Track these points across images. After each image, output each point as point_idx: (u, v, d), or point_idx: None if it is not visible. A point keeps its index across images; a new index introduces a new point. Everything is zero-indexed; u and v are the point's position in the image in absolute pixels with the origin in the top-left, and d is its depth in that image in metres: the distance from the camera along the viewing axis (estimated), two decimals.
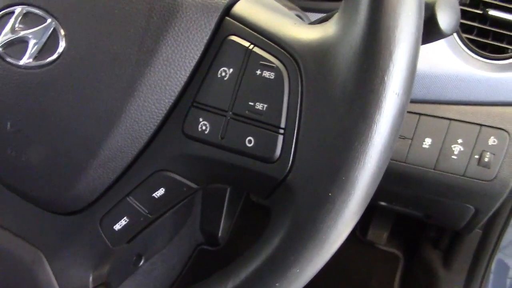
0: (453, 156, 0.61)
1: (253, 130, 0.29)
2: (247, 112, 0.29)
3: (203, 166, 0.32)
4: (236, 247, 1.16)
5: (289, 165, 0.28)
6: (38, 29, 0.33)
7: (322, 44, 0.28)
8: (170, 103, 0.31)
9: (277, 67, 0.29)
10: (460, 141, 0.60)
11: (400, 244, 1.14)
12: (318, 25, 0.29)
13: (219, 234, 1.14)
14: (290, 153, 0.28)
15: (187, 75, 0.31)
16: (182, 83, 0.31)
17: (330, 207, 0.26)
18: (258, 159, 0.29)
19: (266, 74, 0.29)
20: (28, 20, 0.33)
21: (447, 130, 0.60)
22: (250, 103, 0.29)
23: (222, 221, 1.14)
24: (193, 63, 0.31)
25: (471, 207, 0.70)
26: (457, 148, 0.60)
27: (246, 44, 0.30)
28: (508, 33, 0.59)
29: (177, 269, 1.09)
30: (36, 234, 0.38)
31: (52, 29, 0.33)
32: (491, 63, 0.60)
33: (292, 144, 0.28)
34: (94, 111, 0.32)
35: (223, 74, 0.30)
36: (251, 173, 0.30)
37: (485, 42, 0.59)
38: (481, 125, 0.60)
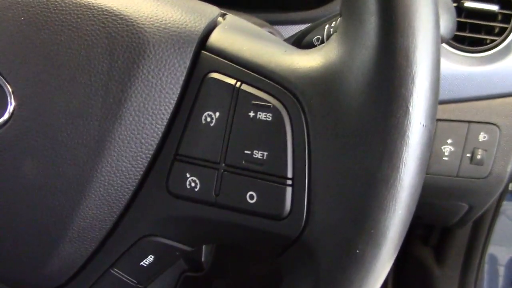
0: (444, 158, 0.58)
1: (254, 184, 0.24)
2: (243, 162, 0.25)
3: (197, 227, 0.27)
4: (222, 269, 1.11)
5: (304, 220, 0.24)
6: None
7: (325, 72, 0.23)
8: (148, 159, 0.26)
9: (273, 106, 0.24)
10: (449, 141, 0.58)
11: None
12: (314, 49, 0.25)
13: (202, 259, 1.09)
14: (303, 207, 0.24)
15: (164, 124, 0.26)
16: (160, 134, 0.26)
17: (358, 265, 0.22)
18: (264, 217, 0.25)
19: (262, 116, 0.24)
20: None
21: (435, 131, 0.58)
22: (247, 152, 0.25)
23: (203, 245, 1.09)
24: (169, 109, 0.26)
25: (465, 204, 0.67)
26: (447, 149, 0.58)
27: (232, 81, 0.25)
28: (485, 23, 0.57)
29: None
30: None
31: None
32: (471, 57, 0.57)
33: (304, 196, 0.24)
34: (59, 178, 0.27)
35: (208, 119, 0.25)
36: (257, 233, 0.25)
37: (463, 35, 0.57)
38: (469, 121, 0.58)
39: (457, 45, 0.57)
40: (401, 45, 0.21)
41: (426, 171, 0.58)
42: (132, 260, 0.28)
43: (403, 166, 0.21)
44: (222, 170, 0.25)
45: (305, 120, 0.23)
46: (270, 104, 0.24)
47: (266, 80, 0.24)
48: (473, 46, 0.57)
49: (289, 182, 0.24)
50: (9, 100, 0.27)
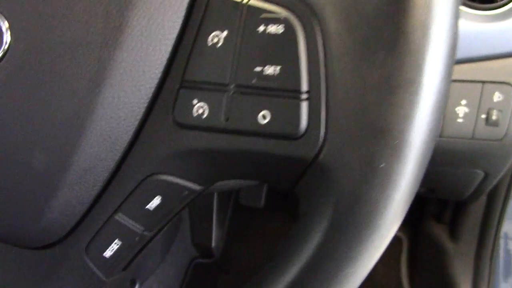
0: (458, 120, 0.56)
1: (267, 102, 0.23)
2: (255, 80, 0.23)
3: (206, 161, 0.25)
4: (232, 255, 1.10)
5: (321, 137, 0.22)
6: None
7: None
8: (153, 88, 0.25)
9: (285, 18, 0.23)
10: (463, 102, 0.56)
11: (401, 226, 1.10)
12: None
13: (213, 245, 1.08)
14: (321, 122, 0.22)
15: (169, 49, 0.25)
16: (165, 60, 0.25)
17: (384, 181, 0.20)
18: (278, 137, 0.23)
19: (272, 29, 0.23)
20: None
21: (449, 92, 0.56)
22: (257, 69, 0.23)
23: (213, 231, 1.08)
24: (174, 33, 0.24)
25: (480, 171, 0.66)
26: (461, 110, 0.56)
27: None
28: None
29: (175, 287, 1.03)
30: (12, 278, 0.31)
31: None
32: (483, 14, 0.55)
33: (321, 110, 0.22)
34: (57, 113, 0.25)
35: (215, 40, 0.24)
36: (270, 159, 0.23)
37: None
38: (483, 82, 0.56)
39: (468, 2, 0.55)
40: None
41: (440, 134, 0.57)
42: (138, 203, 0.27)
43: (428, 67, 0.20)
44: (231, 92, 0.23)
45: (320, 27, 0.22)
46: (281, 16, 0.23)
47: None
48: (484, 3, 0.55)
49: (305, 96, 0.22)
50: (4, 37, 0.26)
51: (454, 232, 0.94)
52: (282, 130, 0.23)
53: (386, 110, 0.20)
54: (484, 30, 0.55)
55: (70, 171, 0.26)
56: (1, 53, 0.26)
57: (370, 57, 0.21)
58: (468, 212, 0.90)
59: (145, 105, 0.25)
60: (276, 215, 1.08)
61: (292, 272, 0.23)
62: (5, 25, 0.26)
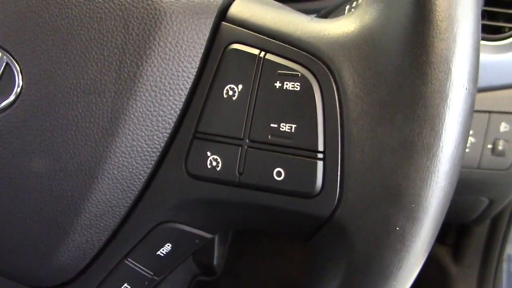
0: (465, 149, 0.56)
1: (282, 159, 0.23)
2: (270, 137, 0.23)
3: (219, 211, 0.25)
4: (234, 273, 1.09)
5: (336, 197, 0.22)
6: None
7: (357, 36, 0.22)
8: (166, 138, 0.25)
9: (301, 75, 0.22)
10: (470, 132, 0.56)
11: None
12: (342, 16, 0.23)
13: (214, 263, 1.08)
14: (336, 182, 0.22)
15: (183, 100, 0.25)
16: (178, 111, 0.25)
17: (398, 244, 0.20)
18: (293, 195, 0.23)
19: (289, 85, 0.23)
20: None
21: None
22: (273, 125, 0.23)
23: (215, 249, 1.08)
24: (188, 84, 0.24)
25: (485, 199, 0.65)
26: (468, 140, 0.56)
27: (255, 51, 0.24)
28: (503, 10, 0.55)
29: None
30: None
31: (4, 64, 0.26)
32: (490, 45, 0.56)
33: (336, 171, 0.22)
34: (69, 161, 0.25)
35: (230, 93, 0.24)
36: (285, 214, 0.23)
37: (482, 24, 0.55)
38: (489, 112, 0.56)
39: None
40: (440, 2, 0.19)
41: None
42: (148, 249, 0.27)
43: (446, 133, 0.20)
44: (246, 147, 0.23)
45: (336, 88, 0.22)
46: (298, 73, 0.23)
47: (293, 48, 0.23)
48: (491, 34, 0.55)
49: (320, 155, 0.22)
50: (16, 80, 0.26)
51: (457, 254, 0.94)
52: (297, 188, 0.23)
53: (403, 174, 0.20)
54: (491, 61, 0.55)
55: (81, 217, 0.26)
56: (14, 97, 0.26)
57: (388, 119, 0.21)
58: (472, 235, 0.90)
59: (158, 154, 0.25)
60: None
61: None
62: (17, 68, 0.26)
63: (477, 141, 0.56)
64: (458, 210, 0.71)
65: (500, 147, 0.56)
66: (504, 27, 0.56)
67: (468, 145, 0.56)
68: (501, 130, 0.56)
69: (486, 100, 0.56)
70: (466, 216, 0.73)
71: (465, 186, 0.60)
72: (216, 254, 1.07)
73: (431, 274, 0.99)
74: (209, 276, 1.09)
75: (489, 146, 0.56)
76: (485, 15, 0.55)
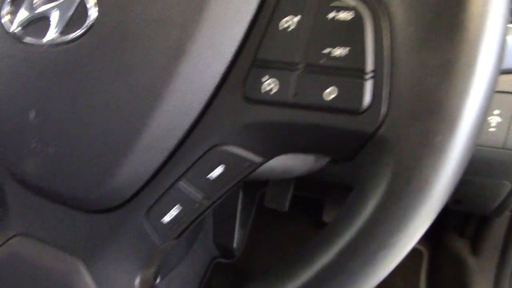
0: (490, 129, 0.58)
1: (334, 80, 0.25)
2: (323, 61, 0.25)
3: (271, 134, 0.27)
4: (253, 257, 1.11)
5: (383, 113, 0.25)
6: (62, 2, 0.29)
7: None
8: (226, 65, 0.27)
9: (354, 6, 0.25)
10: (496, 112, 0.57)
11: (422, 238, 1.10)
12: None
13: (234, 246, 1.10)
14: (382, 99, 0.24)
15: (244, 30, 0.27)
16: (239, 39, 0.27)
17: (439, 153, 0.23)
18: (342, 112, 0.25)
19: (342, 15, 0.25)
20: None
21: None
22: (326, 50, 0.25)
23: (235, 232, 1.09)
24: (249, 15, 0.27)
25: (507, 183, 0.67)
26: (494, 120, 0.57)
27: None
28: None
29: (194, 285, 1.04)
30: (69, 240, 0.33)
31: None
32: None
33: (384, 89, 0.24)
34: (135, 85, 0.28)
35: (288, 24, 0.26)
36: (332, 131, 0.26)
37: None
38: None
39: None
40: None
41: None
42: (201, 171, 0.29)
43: (482, 54, 0.22)
44: (301, 70, 0.26)
45: (387, 16, 0.24)
46: (350, 4, 0.25)
47: None
48: None
49: (370, 75, 0.25)
50: (89, 13, 0.29)
51: (476, 247, 0.95)
52: (347, 106, 0.25)
53: (444, 89, 0.23)
54: None
55: (142, 137, 0.28)
56: (86, 28, 0.29)
57: (431, 43, 0.23)
58: (491, 227, 0.91)
59: (217, 80, 0.27)
60: (298, 220, 1.09)
61: (348, 234, 0.25)
62: (90, 2, 0.29)
63: (503, 121, 0.57)
64: (480, 196, 0.72)
65: None
66: None
67: (494, 124, 0.57)
68: None
69: None
70: (488, 204, 0.74)
71: (489, 167, 0.62)
72: (236, 237, 1.09)
73: (449, 266, 0.99)
74: (227, 258, 1.11)
75: None
76: None
